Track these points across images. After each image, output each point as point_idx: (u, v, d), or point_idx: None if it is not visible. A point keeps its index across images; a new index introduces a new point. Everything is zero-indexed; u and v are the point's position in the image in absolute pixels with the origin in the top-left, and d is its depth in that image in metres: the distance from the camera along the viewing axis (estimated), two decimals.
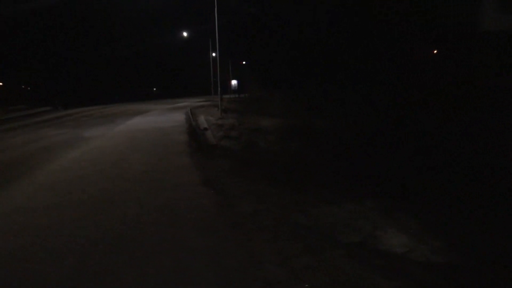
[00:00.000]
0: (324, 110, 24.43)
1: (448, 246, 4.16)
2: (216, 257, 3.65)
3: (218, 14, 22.26)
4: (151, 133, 13.25)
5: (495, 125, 14.13)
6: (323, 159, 11.95)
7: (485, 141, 11.52)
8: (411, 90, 25.33)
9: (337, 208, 5.12)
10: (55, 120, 23.25)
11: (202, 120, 19.26)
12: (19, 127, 20.20)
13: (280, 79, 38.74)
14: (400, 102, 24.06)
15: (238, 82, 52.26)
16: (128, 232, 4.35)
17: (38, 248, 4.02)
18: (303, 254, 3.72)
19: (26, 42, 54.78)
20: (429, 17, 27.75)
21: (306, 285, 3.19)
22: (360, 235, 4.24)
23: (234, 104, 34.28)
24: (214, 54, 41.28)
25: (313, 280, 3.25)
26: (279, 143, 13.85)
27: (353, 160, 12.16)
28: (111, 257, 3.73)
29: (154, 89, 77.46)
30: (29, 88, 54.77)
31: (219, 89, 24.40)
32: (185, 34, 42.93)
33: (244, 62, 58.63)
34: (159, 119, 18.97)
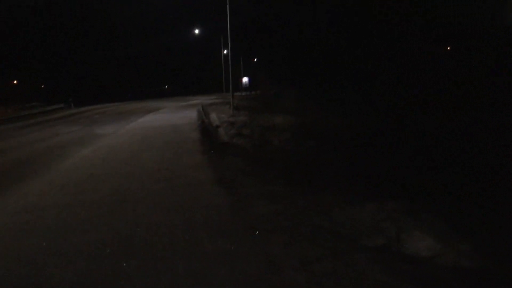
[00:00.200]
0: (339, 108, 24.16)
1: (476, 250, 3.90)
2: (232, 262, 3.44)
3: (230, 13, 22.08)
4: (163, 131, 13.14)
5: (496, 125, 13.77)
6: (338, 158, 11.69)
7: (492, 141, 11.19)
8: (411, 90, 24.99)
9: (358, 209, 4.88)
10: (68, 118, 23.39)
11: (214, 117, 19.12)
12: (33, 124, 20.35)
13: (288, 77, 38.63)
14: (401, 102, 23.75)
15: (249, 80, 52.04)
16: (140, 234, 4.18)
17: (45, 251, 3.87)
18: (325, 258, 3.50)
19: (41, 40, 55.46)
20: (429, 17, 27.33)
21: None
22: (384, 238, 4.00)
23: (245, 101, 34.11)
24: (225, 52, 41.12)
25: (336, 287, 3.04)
26: (293, 141, 13.61)
27: (369, 159, 11.89)
28: (122, 261, 3.55)
29: (166, 86, 77.74)
30: (43, 86, 55.40)
31: (231, 86, 24.25)
32: (196, 31, 42.77)
33: (255, 60, 58.42)
34: (171, 117, 18.89)
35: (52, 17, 56.30)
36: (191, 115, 19.24)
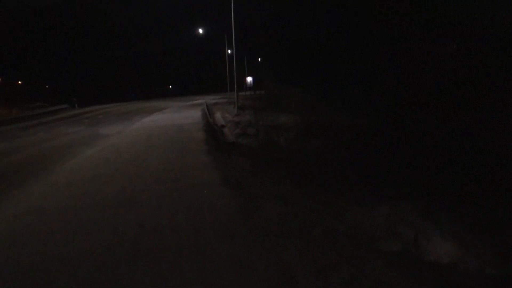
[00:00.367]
0: (341, 108, 24.02)
1: (500, 255, 3.71)
2: (242, 269, 3.26)
3: (234, 12, 21.94)
4: (168, 131, 12.98)
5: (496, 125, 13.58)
6: (345, 157, 11.50)
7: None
8: (412, 89, 24.83)
9: (371, 210, 4.69)
10: (72, 118, 23.29)
11: (218, 117, 18.96)
12: (37, 124, 20.27)
13: (291, 76, 38.60)
14: (402, 102, 23.60)
15: (253, 79, 51.90)
16: (145, 238, 4.01)
17: (48, 256, 3.71)
18: (340, 265, 3.31)
19: (42, 40, 55.55)
20: (429, 17, 27.17)
21: None
22: (402, 243, 3.82)
23: (250, 101, 33.93)
24: (229, 51, 40.98)
25: None
26: (299, 140, 13.44)
27: (375, 158, 11.69)
28: (127, 267, 3.38)
29: (170, 86, 77.71)
30: (47, 86, 55.48)
31: (235, 86, 24.09)
32: (200, 31, 42.60)
33: (259, 59, 58.25)
34: (176, 116, 18.73)
35: (53, 17, 56.38)
36: (196, 114, 19.08)
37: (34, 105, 33.95)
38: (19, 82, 49.29)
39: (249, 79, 51.12)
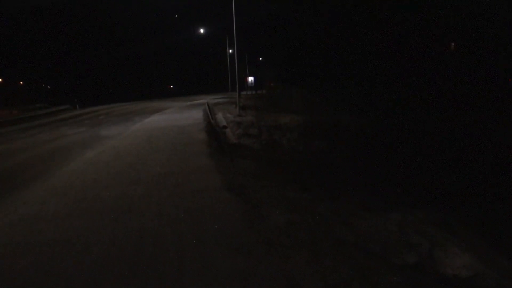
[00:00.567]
0: (343, 108, 23.89)
1: None
2: (247, 283, 3.06)
3: (235, 12, 21.75)
4: (169, 132, 12.79)
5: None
6: (349, 159, 11.30)
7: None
8: (412, 89, 24.70)
9: (381, 218, 4.48)
10: (72, 119, 23.12)
11: (220, 117, 18.77)
12: (38, 126, 20.10)
13: (292, 76, 38.55)
14: (402, 102, 23.46)
15: (254, 79, 51.71)
16: (145, 249, 3.81)
17: (41, 270, 3.51)
18: (352, 280, 3.11)
19: (45, 41, 55.42)
20: (429, 17, 27.03)
21: None
22: (417, 255, 3.61)
23: (251, 100, 33.72)
24: (230, 51, 40.78)
25: None
26: (303, 141, 13.23)
27: (379, 160, 11.48)
28: (126, 282, 3.18)
29: (171, 86, 77.56)
30: (48, 87, 55.40)
31: (237, 86, 23.90)
32: (201, 31, 42.41)
33: (260, 59, 58.06)
34: (177, 117, 18.53)
35: (54, 17, 56.29)
36: (197, 115, 18.88)
37: (34, 106, 33.80)
38: (21, 82, 49.18)
39: (250, 78, 50.93)
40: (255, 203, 5.11)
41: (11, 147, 12.45)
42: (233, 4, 21.65)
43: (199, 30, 41.89)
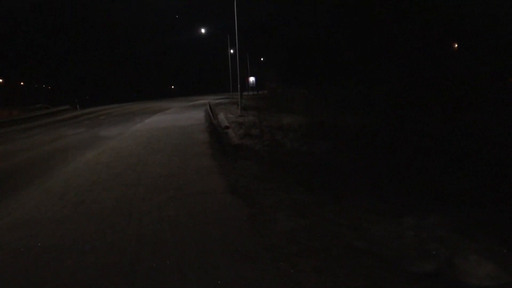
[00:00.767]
0: (344, 108, 23.74)
1: None
2: None
3: (237, 12, 21.57)
4: (170, 133, 12.57)
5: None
6: (353, 159, 11.08)
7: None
8: (413, 89, 24.56)
9: (394, 223, 4.26)
10: (73, 119, 22.94)
11: (222, 118, 18.58)
12: (37, 126, 19.92)
13: (293, 76, 38.54)
14: (403, 102, 23.30)
15: (255, 79, 51.52)
16: (145, 256, 3.59)
17: (34, 278, 3.29)
18: None
19: (45, 41, 55.31)
20: (429, 17, 26.92)
21: None
22: (434, 263, 3.38)
23: (253, 101, 33.54)
24: (232, 51, 40.60)
25: None
26: (305, 141, 13.02)
27: (383, 160, 11.27)
28: None
29: (172, 86, 77.40)
30: (49, 87, 55.26)
31: (238, 86, 23.71)
32: (203, 31, 42.21)
33: (262, 59, 57.88)
34: (178, 117, 18.31)
35: (54, 18, 56.22)
36: (199, 115, 18.65)
37: (35, 106, 33.63)
38: (21, 83, 49.05)
39: (252, 79, 50.77)
40: (260, 206, 4.88)
41: (10, 148, 12.27)
42: (235, 4, 21.47)
43: (200, 30, 41.70)
